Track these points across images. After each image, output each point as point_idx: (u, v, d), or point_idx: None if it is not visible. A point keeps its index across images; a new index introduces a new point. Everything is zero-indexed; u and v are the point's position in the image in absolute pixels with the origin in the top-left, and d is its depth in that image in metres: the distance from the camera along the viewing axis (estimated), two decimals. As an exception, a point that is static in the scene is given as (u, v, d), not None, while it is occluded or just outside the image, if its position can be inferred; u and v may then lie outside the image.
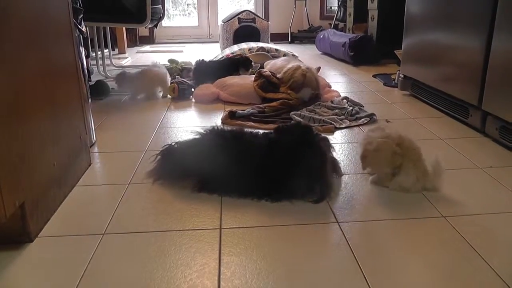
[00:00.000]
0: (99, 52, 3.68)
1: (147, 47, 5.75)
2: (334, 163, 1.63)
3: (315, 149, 1.49)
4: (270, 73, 2.79)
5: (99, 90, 2.88)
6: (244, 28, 4.81)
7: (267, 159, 1.47)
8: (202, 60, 3.21)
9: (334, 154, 1.66)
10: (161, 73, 2.95)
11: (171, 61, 3.88)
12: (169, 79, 2.98)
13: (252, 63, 3.32)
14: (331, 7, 6.26)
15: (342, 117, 2.34)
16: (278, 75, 2.79)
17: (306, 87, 2.62)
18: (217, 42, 5.47)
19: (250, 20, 4.85)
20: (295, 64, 2.82)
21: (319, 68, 3.05)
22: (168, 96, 2.89)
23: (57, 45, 1.51)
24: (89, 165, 1.76)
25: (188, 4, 6.40)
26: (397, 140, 1.49)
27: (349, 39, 4.11)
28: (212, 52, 4.86)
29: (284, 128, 1.59)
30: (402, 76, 2.91)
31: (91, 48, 3.83)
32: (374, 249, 1.19)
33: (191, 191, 1.51)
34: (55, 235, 1.27)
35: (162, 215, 1.38)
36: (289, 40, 6.11)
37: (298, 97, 2.58)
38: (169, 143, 1.66)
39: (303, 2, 6.17)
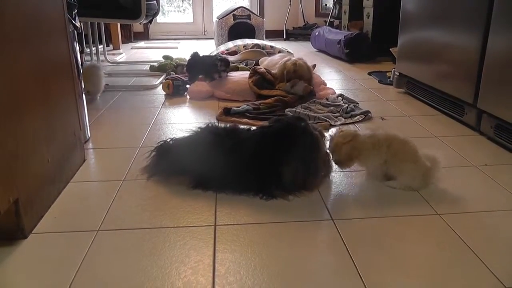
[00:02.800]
0: (94, 48, 3.66)
1: (141, 43, 5.73)
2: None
3: (306, 135, 1.49)
4: (265, 70, 2.79)
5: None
6: (239, 25, 4.81)
7: (260, 148, 1.48)
8: (196, 52, 3.16)
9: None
10: (90, 71, 2.70)
11: (165, 57, 3.87)
12: (101, 78, 2.77)
13: (219, 66, 2.93)
14: (326, 4, 6.26)
15: (337, 114, 2.34)
16: (272, 71, 2.79)
17: (299, 76, 2.63)
18: (212, 38, 5.46)
19: (245, 16, 4.84)
20: (285, 58, 2.83)
21: (314, 66, 3.05)
22: (164, 92, 2.89)
23: (51, 40, 1.49)
24: (84, 161, 1.76)
25: (183, 0, 6.38)
26: (383, 141, 1.49)
27: (344, 36, 4.10)
28: (207, 48, 4.85)
29: (279, 119, 1.59)
30: (397, 73, 2.91)
31: (86, 43, 3.81)
32: (369, 246, 1.19)
33: (186, 188, 1.50)
34: (49, 231, 1.27)
35: (157, 211, 1.37)
36: (284, 37, 6.10)
37: (293, 92, 2.59)
38: (164, 139, 1.66)
39: (299, -1, 6.17)
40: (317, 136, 1.51)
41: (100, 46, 4.10)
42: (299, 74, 2.66)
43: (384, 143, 1.48)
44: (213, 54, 3.87)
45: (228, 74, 2.93)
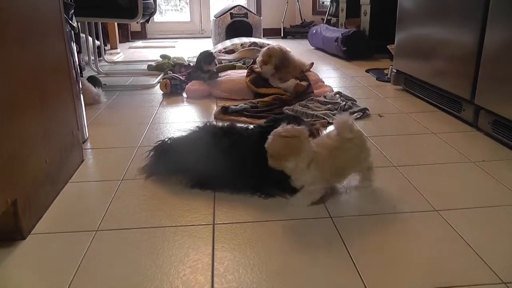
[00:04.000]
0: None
1: (139, 43, 5.72)
2: None
3: None
4: (260, 67, 2.79)
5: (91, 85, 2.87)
6: (236, 23, 4.80)
7: (257, 148, 1.47)
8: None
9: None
10: None
11: (163, 56, 3.87)
12: None
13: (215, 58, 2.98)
14: (323, 2, 6.26)
15: (335, 112, 2.34)
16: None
17: (271, 57, 2.72)
18: (210, 37, 5.46)
19: (242, 15, 4.84)
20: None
21: (312, 64, 3.05)
22: (161, 91, 2.88)
23: (47, 40, 1.49)
24: (82, 161, 1.76)
25: (180, -1, 6.39)
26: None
27: (341, 34, 4.10)
28: (205, 47, 4.84)
29: (275, 119, 1.59)
30: (395, 71, 2.91)
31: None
32: (367, 243, 1.19)
33: (184, 187, 1.51)
34: (48, 232, 1.27)
35: (155, 211, 1.37)
36: (282, 35, 6.09)
37: (285, 89, 2.63)
38: (162, 139, 1.66)
39: (296, -3, 6.17)
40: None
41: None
42: (270, 55, 2.73)
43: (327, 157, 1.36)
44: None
45: (226, 73, 2.94)
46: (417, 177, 1.57)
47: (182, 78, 2.99)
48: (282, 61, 2.72)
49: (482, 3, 1.95)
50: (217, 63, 2.98)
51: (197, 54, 3.00)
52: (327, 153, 1.36)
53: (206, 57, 2.88)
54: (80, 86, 1.95)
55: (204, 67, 2.86)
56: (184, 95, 2.83)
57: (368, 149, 1.49)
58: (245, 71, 2.90)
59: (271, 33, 6.05)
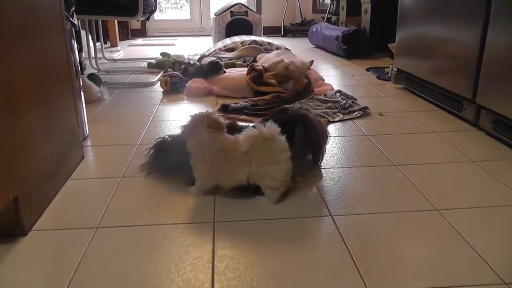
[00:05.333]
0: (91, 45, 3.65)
1: (139, 40, 5.72)
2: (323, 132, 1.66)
3: (303, 122, 1.52)
4: (262, 67, 2.78)
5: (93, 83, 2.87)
6: (236, 22, 4.80)
7: None
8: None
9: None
10: None
11: (163, 54, 3.87)
12: None
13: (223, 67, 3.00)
14: (323, 1, 6.25)
15: (335, 110, 2.34)
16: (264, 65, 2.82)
17: (290, 79, 2.69)
18: (210, 35, 5.45)
19: (242, 13, 4.84)
20: (279, 58, 2.84)
21: (312, 62, 3.04)
22: (162, 89, 2.88)
23: (48, 38, 1.49)
24: (82, 158, 1.75)
25: (180, -3, 6.39)
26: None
27: (342, 32, 4.10)
28: (205, 45, 4.85)
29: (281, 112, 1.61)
30: (395, 69, 2.91)
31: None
32: (368, 242, 1.19)
33: (184, 185, 1.50)
34: (48, 228, 1.27)
35: (155, 208, 1.37)
36: (282, 33, 6.09)
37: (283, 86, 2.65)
38: (162, 136, 1.65)
39: (296, -5, 6.16)
40: (312, 119, 1.55)
41: (98, 44, 4.09)
42: (290, 78, 2.69)
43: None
44: (209, 52, 3.87)
45: (226, 71, 2.94)
46: (417, 176, 1.57)
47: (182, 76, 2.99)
48: (284, 77, 2.69)
49: (484, 2, 1.94)
50: (225, 70, 2.98)
51: (198, 57, 3.01)
52: (209, 148, 1.37)
53: (213, 67, 2.91)
54: (81, 84, 1.95)
55: (211, 75, 2.89)
56: (185, 93, 2.82)
57: (279, 176, 1.37)
58: (246, 69, 2.90)
59: (271, 31, 6.05)
